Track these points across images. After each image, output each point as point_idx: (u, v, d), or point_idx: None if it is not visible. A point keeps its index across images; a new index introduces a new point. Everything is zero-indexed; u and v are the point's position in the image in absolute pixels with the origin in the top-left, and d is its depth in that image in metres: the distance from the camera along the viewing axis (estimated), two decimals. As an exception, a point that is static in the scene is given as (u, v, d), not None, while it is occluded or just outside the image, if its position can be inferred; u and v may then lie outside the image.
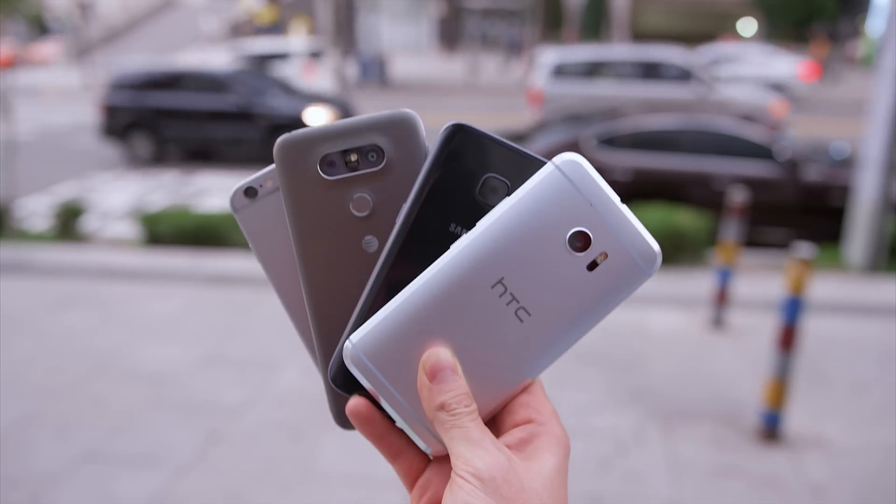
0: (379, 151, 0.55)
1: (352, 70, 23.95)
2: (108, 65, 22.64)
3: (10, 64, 17.83)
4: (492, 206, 0.50)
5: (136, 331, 4.62)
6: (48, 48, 33.67)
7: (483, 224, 0.49)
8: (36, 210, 8.35)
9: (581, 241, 0.48)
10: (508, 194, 0.51)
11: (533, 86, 12.07)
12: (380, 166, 0.55)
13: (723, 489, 3.13)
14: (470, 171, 0.53)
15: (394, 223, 0.53)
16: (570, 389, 3.86)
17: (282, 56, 19.90)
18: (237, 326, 4.74)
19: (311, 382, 3.94)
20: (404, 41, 34.38)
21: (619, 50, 13.32)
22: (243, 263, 5.78)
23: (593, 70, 12.01)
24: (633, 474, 3.21)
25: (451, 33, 32.83)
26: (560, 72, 11.88)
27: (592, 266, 0.48)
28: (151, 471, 3.19)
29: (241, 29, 34.21)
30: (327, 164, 0.54)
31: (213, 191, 9.55)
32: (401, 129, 0.55)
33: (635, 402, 3.77)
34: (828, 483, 3.15)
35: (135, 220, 6.85)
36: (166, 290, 5.32)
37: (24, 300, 5.06)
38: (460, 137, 0.52)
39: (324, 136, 0.54)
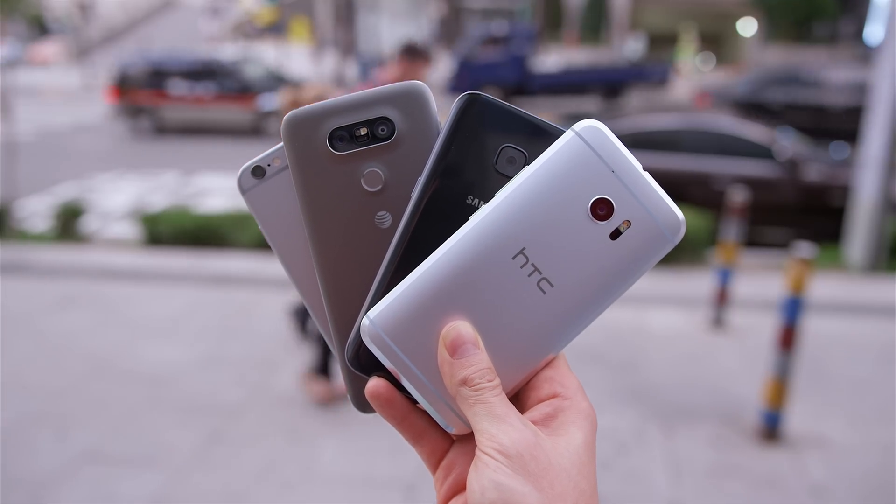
0: (389, 124, 0.53)
1: (352, 70, 23.96)
2: (108, 65, 22.62)
3: None
4: (510, 177, 0.49)
5: (136, 331, 4.62)
6: (48, 49, 33.67)
7: (502, 194, 0.47)
8: (36, 210, 8.35)
9: (603, 209, 0.47)
10: (527, 164, 0.50)
11: None
12: (390, 139, 0.53)
13: (723, 489, 3.13)
14: (486, 142, 0.51)
15: (407, 197, 0.52)
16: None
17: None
18: (237, 326, 4.73)
19: (311, 382, 3.94)
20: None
21: None
22: (243, 263, 5.77)
23: None
24: (633, 474, 3.21)
25: (451, 33, 32.80)
26: None
27: (615, 234, 0.47)
28: (152, 471, 3.19)
29: (241, 29, 34.21)
30: (336, 138, 0.53)
31: (214, 191, 9.55)
32: (410, 100, 0.53)
33: (635, 402, 3.77)
34: (828, 483, 3.15)
35: (135, 220, 6.86)
36: (166, 291, 5.32)
37: (24, 300, 5.06)
38: (475, 107, 0.51)
39: (332, 110, 0.53)
